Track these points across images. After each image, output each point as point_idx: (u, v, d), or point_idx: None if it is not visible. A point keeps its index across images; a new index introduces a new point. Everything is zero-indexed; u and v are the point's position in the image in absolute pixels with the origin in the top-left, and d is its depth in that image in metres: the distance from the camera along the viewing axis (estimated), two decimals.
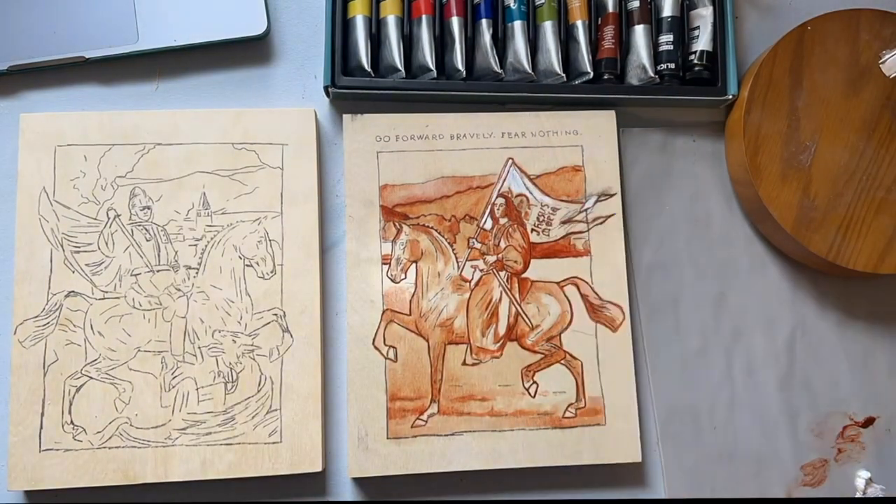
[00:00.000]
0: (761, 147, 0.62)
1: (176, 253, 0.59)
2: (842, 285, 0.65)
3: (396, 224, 0.61)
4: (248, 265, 0.59)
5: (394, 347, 0.59)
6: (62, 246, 0.59)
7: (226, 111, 0.61)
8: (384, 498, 0.59)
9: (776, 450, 0.62)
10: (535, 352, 0.60)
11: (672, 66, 0.63)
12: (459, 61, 0.61)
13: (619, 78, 0.64)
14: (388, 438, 0.58)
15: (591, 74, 0.62)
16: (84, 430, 0.57)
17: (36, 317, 0.58)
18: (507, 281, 0.61)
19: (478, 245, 0.61)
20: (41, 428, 0.56)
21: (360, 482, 0.60)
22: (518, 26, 0.62)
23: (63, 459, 0.56)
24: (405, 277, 0.61)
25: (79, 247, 0.59)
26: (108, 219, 0.59)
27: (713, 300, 0.63)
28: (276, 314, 0.59)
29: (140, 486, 0.57)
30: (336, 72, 0.61)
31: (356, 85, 0.61)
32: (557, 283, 0.61)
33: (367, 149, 0.62)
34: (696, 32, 0.64)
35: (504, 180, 0.62)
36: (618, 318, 0.61)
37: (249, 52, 0.64)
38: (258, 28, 0.62)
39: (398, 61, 0.61)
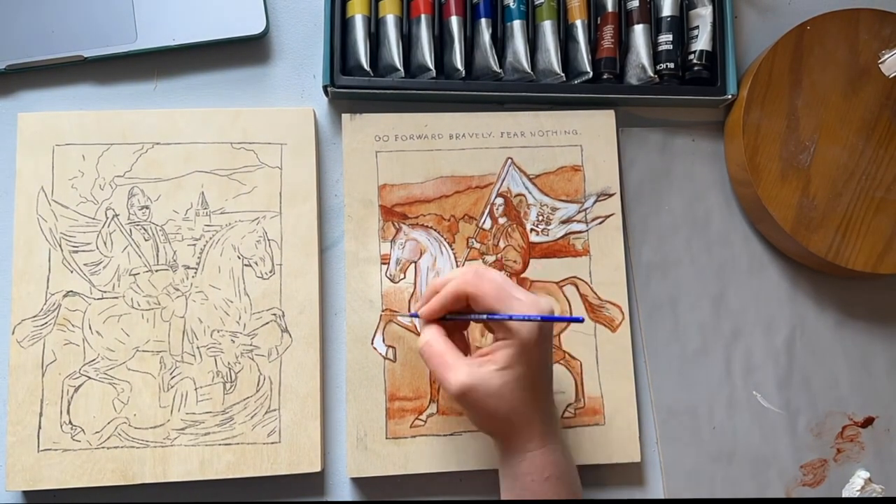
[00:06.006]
0: (760, 147, 0.62)
1: (174, 253, 0.59)
2: (841, 285, 0.65)
3: (395, 224, 0.61)
4: (246, 265, 0.59)
5: (393, 347, 0.59)
6: (60, 246, 0.59)
7: (224, 110, 0.61)
8: (383, 498, 0.59)
9: (775, 450, 0.62)
10: None
11: (671, 65, 0.63)
12: (458, 61, 0.61)
13: (619, 77, 0.64)
14: (386, 438, 0.58)
15: (591, 74, 0.62)
16: (82, 430, 0.57)
17: (34, 316, 0.58)
18: None
19: (477, 245, 0.61)
20: (39, 428, 0.56)
21: (359, 482, 0.59)
22: (517, 26, 0.62)
23: (61, 459, 0.56)
24: (404, 277, 0.60)
25: (77, 246, 0.59)
26: (107, 218, 0.59)
27: (712, 300, 0.63)
28: (274, 314, 0.59)
29: (139, 487, 0.56)
30: (335, 71, 0.61)
31: (355, 84, 0.61)
32: (556, 282, 0.61)
33: (366, 148, 0.62)
34: (696, 32, 0.64)
35: (503, 180, 0.62)
36: (617, 318, 0.61)
37: (248, 51, 0.64)
38: (257, 27, 0.62)
39: (397, 61, 0.61)
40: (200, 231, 0.59)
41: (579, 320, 0.49)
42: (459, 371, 0.49)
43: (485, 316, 0.50)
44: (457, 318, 0.52)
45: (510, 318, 0.48)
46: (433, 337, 0.51)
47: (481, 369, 0.49)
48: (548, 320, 0.49)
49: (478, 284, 0.49)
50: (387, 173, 0.61)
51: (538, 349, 0.49)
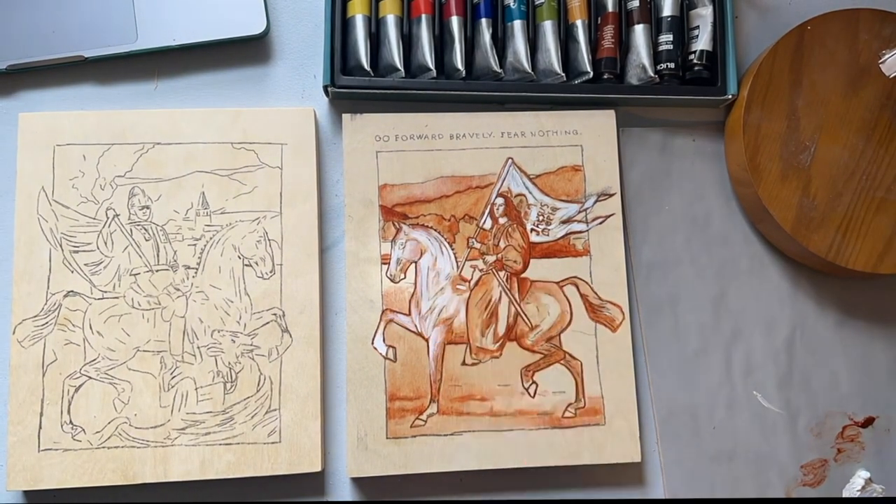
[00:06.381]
0: (761, 147, 0.62)
1: (175, 253, 0.59)
2: (841, 285, 0.65)
3: (396, 224, 0.61)
4: (247, 265, 0.59)
5: (393, 347, 0.59)
6: (61, 246, 0.59)
7: (225, 111, 0.61)
8: (383, 498, 0.59)
9: (775, 450, 0.62)
10: (534, 352, 0.60)
11: (672, 65, 0.63)
12: (459, 61, 0.61)
13: (619, 77, 0.64)
14: (387, 438, 0.58)
15: (591, 74, 0.62)
16: (83, 429, 0.57)
17: (35, 316, 0.58)
18: (507, 281, 0.61)
19: (477, 245, 0.61)
20: (40, 428, 0.56)
21: (359, 482, 0.60)
22: (518, 26, 0.62)
23: (62, 459, 0.56)
24: (404, 277, 0.60)
25: (78, 246, 0.59)
26: (107, 218, 0.59)
27: (713, 300, 0.63)
28: (275, 314, 0.59)
29: (139, 486, 0.57)
30: (335, 71, 0.61)
31: (355, 84, 0.61)
32: (557, 282, 0.61)
33: (366, 148, 0.62)
34: (696, 32, 0.64)
35: (503, 180, 0.62)
36: (617, 318, 0.61)
37: (249, 51, 0.64)
38: (257, 27, 0.62)
39: (397, 61, 0.61)
40: (201, 231, 0.59)
41: None
42: None
43: None
44: None
45: None
46: None
47: None
48: None
49: None
50: (387, 173, 0.61)
51: None
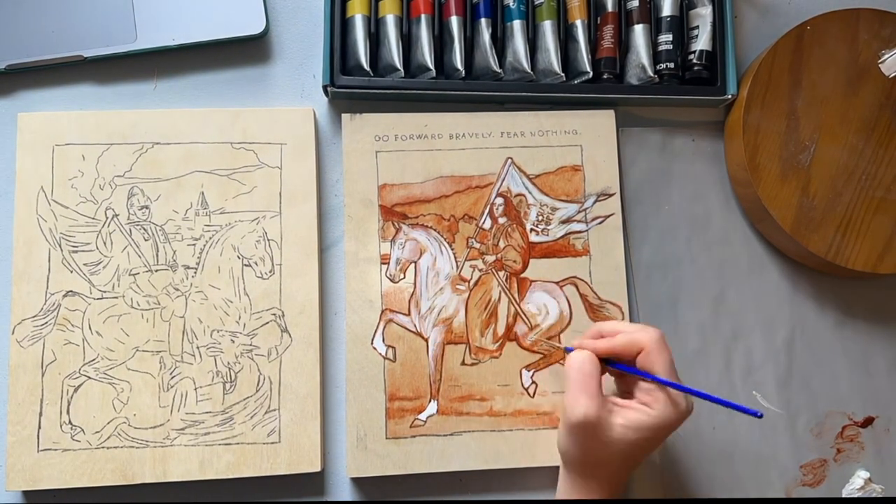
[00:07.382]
0: (760, 147, 0.61)
1: (174, 252, 0.59)
2: (841, 285, 0.65)
3: (395, 224, 0.61)
4: (246, 265, 0.59)
5: (392, 347, 0.59)
6: (60, 245, 0.59)
7: (224, 110, 0.61)
8: (383, 498, 0.59)
9: (775, 450, 0.62)
10: (534, 352, 0.60)
11: (671, 65, 0.63)
12: (458, 61, 0.61)
13: (619, 77, 0.64)
14: (386, 438, 0.58)
15: (591, 74, 0.62)
16: (82, 430, 0.57)
17: (34, 316, 0.58)
18: (506, 281, 0.61)
19: (477, 245, 0.61)
20: (39, 428, 0.56)
21: (358, 482, 0.59)
22: (517, 25, 0.62)
23: (61, 459, 0.56)
24: (404, 277, 0.60)
25: (77, 246, 0.59)
26: (107, 218, 0.59)
27: (712, 300, 0.63)
28: (274, 314, 0.59)
29: (138, 486, 0.56)
30: (335, 71, 0.61)
31: (355, 84, 0.61)
32: (556, 282, 0.61)
33: (365, 148, 0.62)
34: (696, 32, 0.64)
35: (503, 180, 0.62)
36: (617, 318, 0.61)
37: (248, 51, 0.64)
38: (257, 27, 0.62)
39: (397, 61, 0.61)
40: (200, 231, 0.59)
41: (756, 414, 0.47)
42: (593, 403, 0.50)
43: (652, 376, 0.50)
44: (624, 368, 0.52)
45: (681, 389, 0.49)
46: (590, 360, 0.52)
47: (610, 415, 0.50)
48: (719, 403, 0.49)
49: (659, 349, 0.51)
50: (387, 173, 0.61)
51: (661, 432, 0.50)
